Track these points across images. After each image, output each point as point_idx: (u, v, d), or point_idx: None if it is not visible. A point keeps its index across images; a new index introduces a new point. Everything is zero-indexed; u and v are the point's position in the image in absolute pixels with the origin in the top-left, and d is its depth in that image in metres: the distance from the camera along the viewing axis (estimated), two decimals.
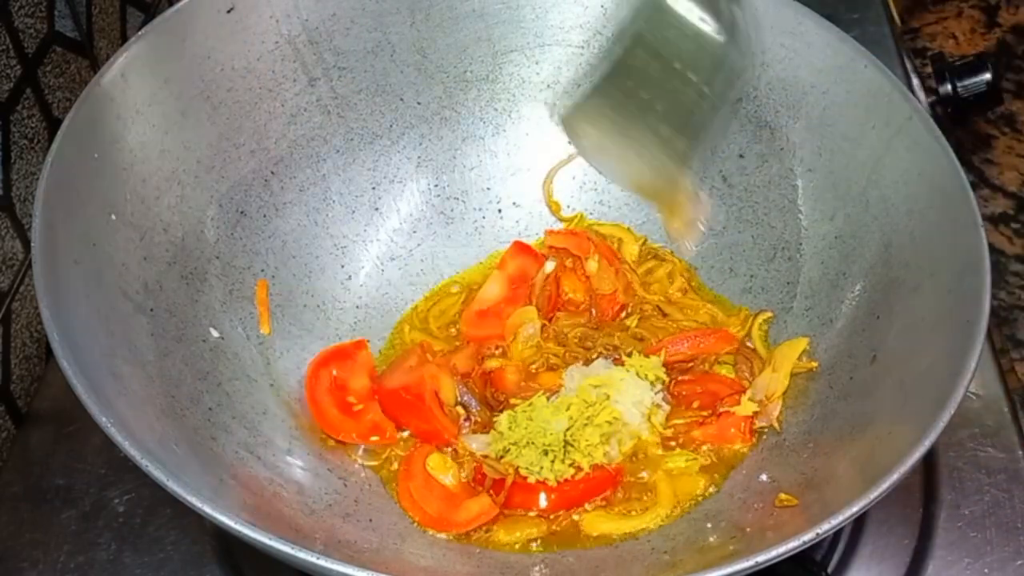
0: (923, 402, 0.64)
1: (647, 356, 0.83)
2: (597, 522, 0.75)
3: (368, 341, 0.85)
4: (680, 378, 0.82)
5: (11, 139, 0.84)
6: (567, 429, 0.77)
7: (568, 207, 0.94)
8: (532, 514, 0.75)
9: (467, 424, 0.80)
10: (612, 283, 0.88)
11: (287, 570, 0.59)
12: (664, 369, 0.82)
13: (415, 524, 0.74)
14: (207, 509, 0.56)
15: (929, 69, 1.09)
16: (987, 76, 1.03)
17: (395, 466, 0.78)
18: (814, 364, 0.80)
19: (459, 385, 0.82)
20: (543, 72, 0.93)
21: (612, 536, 0.74)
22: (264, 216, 0.85)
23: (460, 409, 0.81)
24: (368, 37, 0.88)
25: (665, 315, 0.87)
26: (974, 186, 0.79)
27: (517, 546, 0.74)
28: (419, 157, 0.93)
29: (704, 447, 0.79)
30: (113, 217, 0.72)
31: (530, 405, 0.79)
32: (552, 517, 0.75)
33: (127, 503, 0.80)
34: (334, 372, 0.82)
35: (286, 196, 0.87)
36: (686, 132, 0.75)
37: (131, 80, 0.76)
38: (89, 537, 0.78)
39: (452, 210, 0.93)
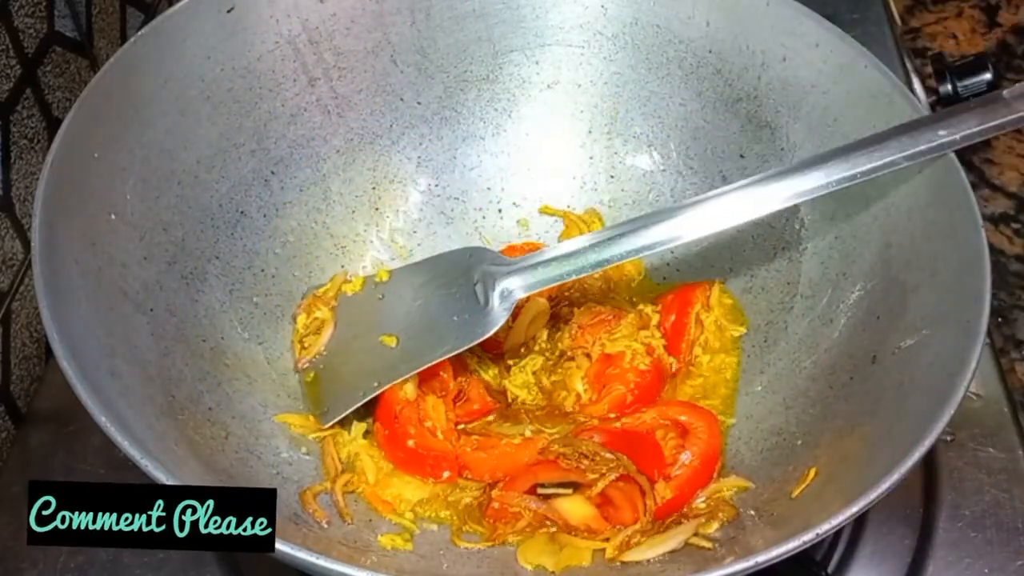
0: (923, 402, 0.64)
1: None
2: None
3: None
4: None
5: (11, 139, 0.84)
6: None
7: (568, 206, 0.94)
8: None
9: None
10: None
11: (287, 570, 0.59)
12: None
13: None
14: None
15: (929, 69, 1.09)
16: (987, 76, 1.02)
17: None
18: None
19: None
20: (543, 72, 0.93)
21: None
22: (264, 216, 0.85)
23: None
24: (368, 37, 0.88)
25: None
26: (974, 186, 0.79)
27: None
28: (419, 157, 0.93)
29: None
30: (113, 217, 0.72)
31: None
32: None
33: None
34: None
35: (286, 196, 0.87)
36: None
37: (131, 80, 0.76)
38: None
39: (452, 210, 0.93)
